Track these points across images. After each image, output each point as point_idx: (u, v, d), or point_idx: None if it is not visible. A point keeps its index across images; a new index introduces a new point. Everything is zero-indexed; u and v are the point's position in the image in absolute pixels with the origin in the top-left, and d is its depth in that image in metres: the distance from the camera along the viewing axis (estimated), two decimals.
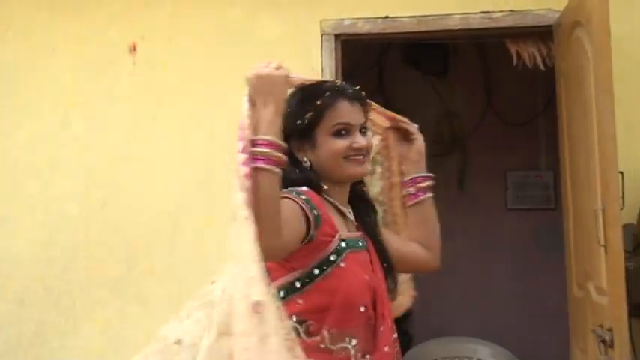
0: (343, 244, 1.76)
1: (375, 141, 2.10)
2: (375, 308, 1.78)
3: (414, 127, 2.07)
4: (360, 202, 1.93)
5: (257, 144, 1.57)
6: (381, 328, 1.77)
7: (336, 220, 1.82)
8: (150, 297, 3.39)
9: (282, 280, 1.75)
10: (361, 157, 1.82)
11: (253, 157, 1.56)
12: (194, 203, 3.43)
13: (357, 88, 1.89)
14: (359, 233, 1.88)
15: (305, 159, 1.82)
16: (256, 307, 1.44)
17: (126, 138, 3.52)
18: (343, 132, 1.80)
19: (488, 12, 3.31)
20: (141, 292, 3.41)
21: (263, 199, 1.54)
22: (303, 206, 1.70)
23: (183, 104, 3.49)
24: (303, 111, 1.80)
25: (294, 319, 1.71)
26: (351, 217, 1.88)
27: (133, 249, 3.44)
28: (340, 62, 3.39)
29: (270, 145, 1.57)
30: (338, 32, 3.38)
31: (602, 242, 2.54)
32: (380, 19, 3.36)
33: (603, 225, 2.53)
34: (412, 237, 2.04)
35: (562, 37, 3.11)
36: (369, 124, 1.90)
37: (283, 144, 1.61)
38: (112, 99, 3.54)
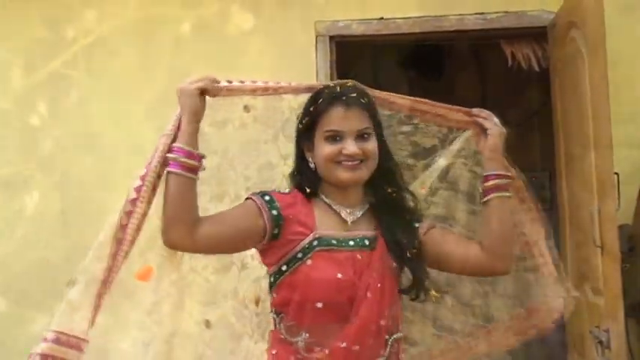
0: (315, 243, 1.82)
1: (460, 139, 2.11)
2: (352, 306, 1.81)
3: (489, 122, 2.00)
4: (382, 203, 1.92)
5: (171, 150, 1.78)
6: (352, 325, 1.79)
7: (326, 219, 1.86)
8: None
9: (268, 274, 1.89)
10: (356, 162, 1.84)
11: (168, 162, 1.78)
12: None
13: (355, 94, 1.88)
14: (361, 233, 1.87)
15: (311, 160, 1.89)
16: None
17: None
18: (337, 137, 1.83)
19: (482, 13, 3.31)
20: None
21: (170, 199, 1.76)
22: (261, 206, 1.82)
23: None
24: (303, 116, 1.90)
25: (274, 310, 1.87)
26: (350, 217, 1.88)
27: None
28: (335, 64, 3.38)
29: (179, 151, 1.77)
30: (332, 34, 3.37)
31: (598, 243, 2.54)
32: (374, 21, 3.35)
33: (599, 226, 2.53)
34: (478, 237, 2.00)
35: (557, 37, 3.11)
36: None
37: (193, 150, 1.78)
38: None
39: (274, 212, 1.82)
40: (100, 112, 3.48)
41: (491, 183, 1.93)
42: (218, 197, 1.93)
